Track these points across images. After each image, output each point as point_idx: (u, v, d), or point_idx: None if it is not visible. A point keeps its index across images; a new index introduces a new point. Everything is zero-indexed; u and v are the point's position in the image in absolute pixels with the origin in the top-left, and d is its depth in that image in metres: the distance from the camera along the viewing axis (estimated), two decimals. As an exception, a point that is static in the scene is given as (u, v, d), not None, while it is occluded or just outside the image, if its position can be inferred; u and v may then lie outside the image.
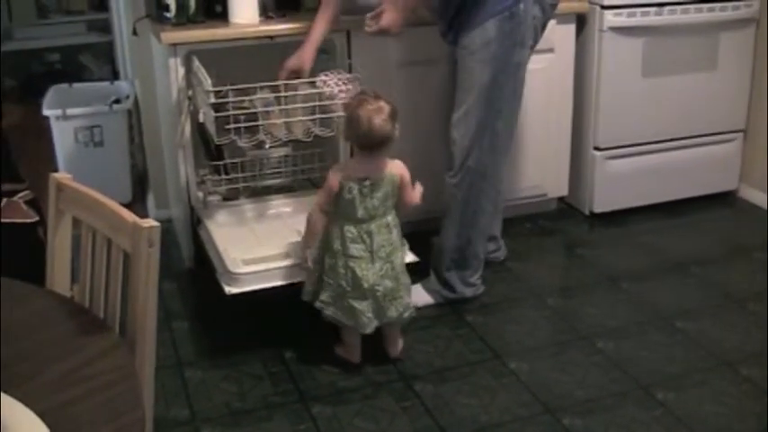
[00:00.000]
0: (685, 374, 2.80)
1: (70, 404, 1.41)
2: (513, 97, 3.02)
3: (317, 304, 2.75)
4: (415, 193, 2.76)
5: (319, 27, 3.08)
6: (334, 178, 2.64)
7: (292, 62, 3.04)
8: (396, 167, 2.70)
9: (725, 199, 4.16)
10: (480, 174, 3.07)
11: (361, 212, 2.63)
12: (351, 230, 2.64)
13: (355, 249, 2.65)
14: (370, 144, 2.61)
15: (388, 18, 2.93)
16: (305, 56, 3.05)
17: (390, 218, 2.70)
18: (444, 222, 3.17)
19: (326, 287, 2.71)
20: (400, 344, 2.88)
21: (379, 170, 2.65)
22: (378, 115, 2.58)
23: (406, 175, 2.72)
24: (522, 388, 2.74)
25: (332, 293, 2.71)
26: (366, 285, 2.65)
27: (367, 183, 2.62)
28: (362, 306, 2.68)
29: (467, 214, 3.12)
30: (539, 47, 3.16)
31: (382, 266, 2.68)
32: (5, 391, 1.39)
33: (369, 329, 2.73)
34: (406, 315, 2.78)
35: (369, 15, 2.97)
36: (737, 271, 3.50)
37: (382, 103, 2.61)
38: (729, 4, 3.80)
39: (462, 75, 3.01)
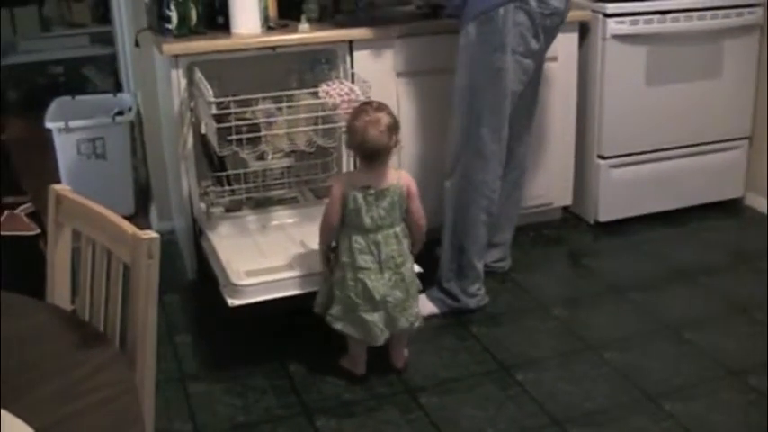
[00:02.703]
0: (693, 384, 2.78)
1: (69, 418, 1.40)
2: (495, 104, 2.99)
3: (327, 318, 2.73)
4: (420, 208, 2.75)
5: None
6: (337, 187, 2.65)
7: None
8: (403, 178, 2.69)
9: (731, 207, 4.14)
10: (468, 180, 3.06)
11: (368, 222, 2.62)
12: (359, 241, 2.63)
13: (363, 260, 2.63)
14: (366, 154, 2.62)
15: None
16: None
17: (399, 228, 2.69)
18: (442, 232, 3.16)
19: (336, 300, 2.70)
20: (405, 355, 2.86)
21: (380, 180, 2.64)
22: (374, 127, 2.57)
23: (413, 186, 2.71)
24: (528, 399, 2.71)
25: (342, 307, 2.69)
26: (378, 297, 2.64)
27: (371, 191, 2.61)
28: (374, 318, 2.67)
29: (458, 222, 3.12)
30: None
31: (391, 277, 2.66)
32: (5, 406, 1.37)
33: (381, 341, 2.72)
34: (416, 325, 2.77)
35: None
36: (744, 280, 3.47)
37: (381, 115, 2.60)
38: (733, 11, 3.78)
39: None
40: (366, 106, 2.66)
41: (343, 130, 2.67)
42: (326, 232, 2.72)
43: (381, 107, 2.65)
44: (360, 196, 2.61)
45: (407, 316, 2.72)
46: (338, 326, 2.71)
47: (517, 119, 3.16)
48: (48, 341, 1.64)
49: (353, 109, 2.71)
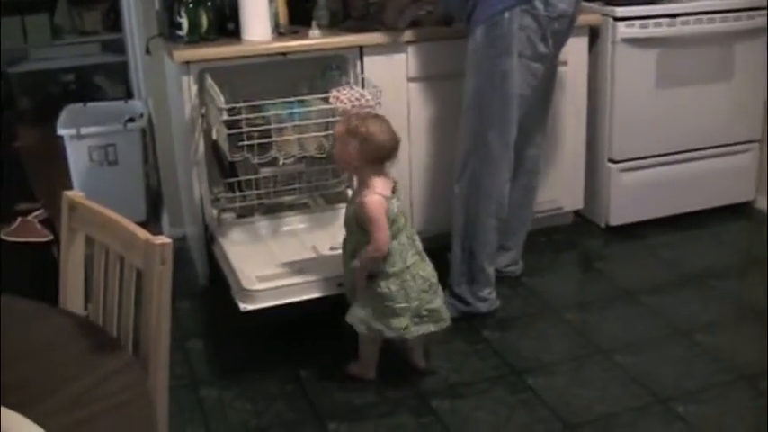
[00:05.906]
0: (705, 388, 2.77)
1: (83, 424, 1.40)
2: (503, 107, 2.99)
3: (403, 334, 2.66)
4: None
5: None
6: (381, 211, 2.57)
7: None
8: None
9: (742, 210, 4.12)
10: (476, 184, 3.07)
11: (402, 221, 2.65)
12: (402, 241, 2.64)
13: (410, 257, 2.65)
14: (391, 154, 2.63)
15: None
16: None
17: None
18: (453, 236, 3.17)
19: (402, 313, 2.64)
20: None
21: (389, 175, 2.68)
22: (388, 127, 2.62)
23: None
24: (540, 404, 2.71)
25: (411, 314, 2.66)
26: (434, 280, 2.70)
27: (395, 189, 2.65)
28: (438, 302, 2.71)
29: (467, 226, 3.13)
30: (552, 59, 3.16)
31: (426, 258, 2.72)
32: (21, 412, 1.38)
33: (449, 320, 2.77)
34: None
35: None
36: (756, 283, 3.46)
37: (381, 118, 2.67)
38: (743, 14, 3.77)
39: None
40: (364, 115, 2.68)
41: (353, 142, 2.58)
42: (378, 260, 2.64)
43: (374, 114, 2.72)
44: (395, 203, 2.62)
45: (440, 292, 2.77)
46: (417, 333, 2.69)
47: (529, 122, 3.16)
48: (62, 347, 1.65)
49: (353, 120, 2.64)
